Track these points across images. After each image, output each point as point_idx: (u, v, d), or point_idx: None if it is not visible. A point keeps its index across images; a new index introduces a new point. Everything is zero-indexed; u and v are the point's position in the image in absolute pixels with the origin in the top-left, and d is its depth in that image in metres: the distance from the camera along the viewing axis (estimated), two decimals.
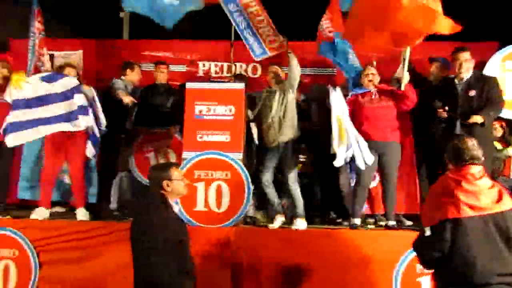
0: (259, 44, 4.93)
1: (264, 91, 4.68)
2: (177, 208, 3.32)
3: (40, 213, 4.46)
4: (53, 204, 4.98)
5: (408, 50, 4.29)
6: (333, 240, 4.03)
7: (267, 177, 4.44)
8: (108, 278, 4.00)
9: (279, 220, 4.40)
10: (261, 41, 4.93)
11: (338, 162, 4.17)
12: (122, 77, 5.12)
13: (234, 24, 5.02)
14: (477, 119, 4.11)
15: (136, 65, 5.31)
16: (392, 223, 4.34)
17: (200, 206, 4.16)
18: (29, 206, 5.24)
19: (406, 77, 4.32)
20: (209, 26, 5.55)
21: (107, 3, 8.21)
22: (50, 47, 5.99)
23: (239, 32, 4.99)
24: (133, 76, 5.18)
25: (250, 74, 6.21)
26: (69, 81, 4.46)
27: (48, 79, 4.48)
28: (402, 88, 4.33)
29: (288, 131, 4.44)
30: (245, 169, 4.21)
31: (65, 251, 4.12)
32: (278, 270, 3.92)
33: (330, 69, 6.03)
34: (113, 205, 5.61)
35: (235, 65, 6.10)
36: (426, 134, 4.58)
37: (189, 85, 4.47)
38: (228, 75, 6.01)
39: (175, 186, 3.14)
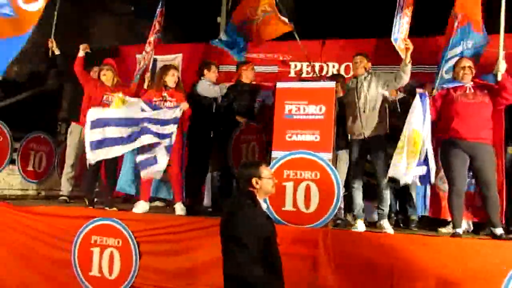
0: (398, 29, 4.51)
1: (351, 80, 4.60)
2: (265, 206, 3.34)
3: (141, 207, 4.78)
4: (153, 199, 5.35)
5: (502, 38, 3.89)
6: (428, 247, 3.76)
7: (358, 180, 4.38)
8: (200, 272, 4.16)
9: (361, 224, 4.27)
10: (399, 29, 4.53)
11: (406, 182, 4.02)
12: (202, 78, 5.30)
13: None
14: None
15: (213, 64, 5.46)
16: (499, 231, 3.94)
17: (288, 206, 4.14)
18: (129, 200, 5.77)
19: (502, 66, 3.94)
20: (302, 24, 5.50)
21: (205, 9, 8.61)
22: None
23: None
24: (210, 75, 5.36)
25: (342, 73, 6.05)
26: (170, 112, 4.71)
27: (146, 110, 4.75)
28: (499, 78, 3.92)
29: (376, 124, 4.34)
30: (334, 169, 4.12)
31: (162, 243, 4.37)
32: (366, 274, 3.76)
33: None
34: (207, 201, 5.89)
35: (327, 65, 6.02)
36: None
37: (279, 84, 4.49)
38: (319, 75, 5.95)
39: (264, 184, 3.19)
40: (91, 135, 4.63)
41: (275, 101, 4.46)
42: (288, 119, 4.34)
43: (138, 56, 6.81)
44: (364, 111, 4.38)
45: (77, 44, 5.53)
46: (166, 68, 5.12)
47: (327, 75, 5.94)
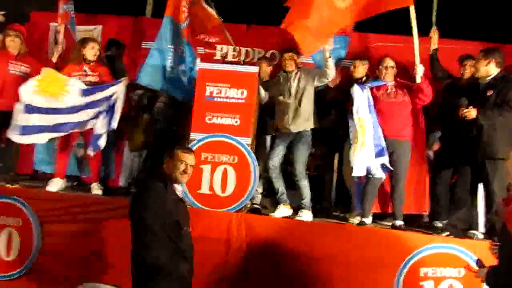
0: None
1: (281, 74, 4.59)
2: (180, 189, 3.27)
3: (56, 184, 4.52)
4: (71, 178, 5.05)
5: (417, 41, 4.13)
6: (337, 235, 3.94)
7: (274, 162, 4.37)
8: (109, 254, 4.00)
9: (282, 210, 4.31)
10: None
11: (357, 172, 4.14)
12: None
13: None
14: (472, 113, 3.86)
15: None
16: (399, 223, 4.22)
17: (204, 189, 4.11)
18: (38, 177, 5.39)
19: (420, 69, 4.15)
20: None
21: None
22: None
23: None
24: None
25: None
26: (111, 89, 4.48)
27: (89, 93, 4.50)
28: (417, 80, 4.16)
29: (303, 120, 4.36)
30: (253, 154, 4.14)
31: (68, 223, 4.13)
32: (277, 260, 3.85)
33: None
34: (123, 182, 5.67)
35: (254, 50, 5.99)
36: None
37: (201, 65, 4.39)
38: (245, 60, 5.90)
39: (171, 165, 3.11)
40: (23, 118, 4.38)
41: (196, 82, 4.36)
42: (209, 101, 4.27)
43: (51, 24, 6.31)
44: (292, 108, 4.37)
45: None
46: (84, 40, 4.83)
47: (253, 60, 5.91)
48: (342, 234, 3.98)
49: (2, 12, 5.14)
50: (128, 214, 3.07)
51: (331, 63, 4.31)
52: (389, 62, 4.41)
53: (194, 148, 4.11)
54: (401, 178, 4.26)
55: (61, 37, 5.04)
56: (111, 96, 4.47)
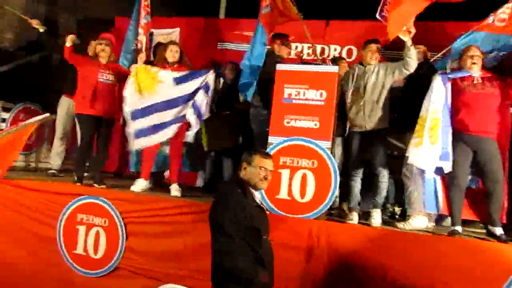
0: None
1: (356, 67, 4.37)
2: (259, 196, 3.20)
3: (140, 185, 4.70)
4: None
5: None
6: (427, 245, 3.63)
7: (356, 165, 4.23)
8: (189, 257, 4.03)
9: (356, 217, 4.13)
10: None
11: (428, 171, 3.87)
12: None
13: None
14: None
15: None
16: (499, 231, 3.79)
17: (283, 194, 3.99)
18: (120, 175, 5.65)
19: None
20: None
21: None
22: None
23: None
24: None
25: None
26: (202, 78, 4.62)
27: (180, 81, 4.66)
28: None
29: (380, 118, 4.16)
30: (333, 159, 3.96)
31: (151, 225, 4.23)
32: (359, 270, 3.64)
33: None
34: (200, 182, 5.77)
35: (329, 47, 5.80)
36: None
37: (279, 66, 4.28)
38: (321, 57, 5.72)
39: (249, 172, 3.05)
40: (133, 125, 4.63)
41: (274, 83, 4.26)
42: (287, 103, 4.15)
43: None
44: (369, 104, 4.19)
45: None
46: (165, 45, 5.07)
47: (329, 58, 5.71)
48: (433, 244, 3.65)
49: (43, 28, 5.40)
50: (207, 219, 3.06)
51: (413, 51, 4.02)
52: (475, 51, 4.00)
53: (272, 152, 4.04)
54: (499, 179, 3.82)
55: (144, 46, 5.20)
56: (204, 85, 4.61)
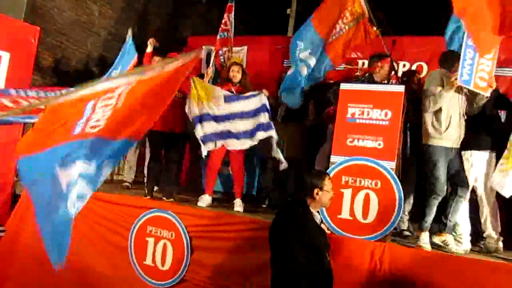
0: (470, 71, 3.78)
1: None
2: (319, 217, 3.22)
3: (205, 201, 4.90)
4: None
5: None
6: (502, 275, 3.41)
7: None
8: (251, 273, 4.08)
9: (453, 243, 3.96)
10: (474, 70, 3.80)
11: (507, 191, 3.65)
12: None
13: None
14: None
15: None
16: None
17: (345, 214, 3.95)
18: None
19: None
20: None
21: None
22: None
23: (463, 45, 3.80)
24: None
25: None
26: (256, 101, 4.79)
27: (231, 100, 4.87)
28: None
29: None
30: (397, 179, 3.86)
31: (214, 240, 4.35)
32: None
33: None
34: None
35: (397, 63, 5.67)
36: None
37: (343, 86, 4.26)
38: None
39: (323, 196, 3.14)
40: (199, 130, 4.84)
41: (337, 102, 4.25)
42: (350, 123, 4.12)
43: (204, 47, 6.85)
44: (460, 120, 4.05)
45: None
46: (229, 64, 5.30)
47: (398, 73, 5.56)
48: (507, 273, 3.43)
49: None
50: (268, 238, 3.12)
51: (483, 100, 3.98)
52: None
53: (335, 171, 4.03)
54: None
55: (212, 60, 5.42)
56: (260, 108, 4.74)
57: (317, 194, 3.11)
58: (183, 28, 8.66)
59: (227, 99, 4.87)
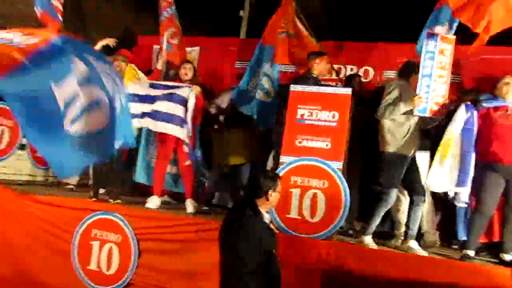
0: (426, 99, 3.92)
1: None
2: (268, 217, 3.22)
3: (153, 201, 4.78)
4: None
5: None
6: (439, 270, 3.57)
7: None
8: (200, 275, 4.04)
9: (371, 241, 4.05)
10: (430, 97, 3.92)
11: (433, 186, 3.92)
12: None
13: (422, 62, 3.93)
14: None
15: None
16: (509, 257, 3.74)
17: (293, 213, 3.99)
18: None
19: None
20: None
21: (227, 1, 8.46)
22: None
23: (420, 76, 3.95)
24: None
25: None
26: (181, 91, 4.76)
27: (157, 88, 4.83)
28: None
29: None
30: (344, 180, 3.95)
31: (163, 242, 4.26)
32: None
33: None
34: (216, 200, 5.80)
35: (345, 67, 5.82)
36: None
37: (293, 87, 4.32)
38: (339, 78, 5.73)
39: (275, 197, 3.14)
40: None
41: (288, 104, 4.30)
42: (300, 123, 4.18)
43: (155, 47, 6.73)
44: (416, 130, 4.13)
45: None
46: (181, 62, 5.28)
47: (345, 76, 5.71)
48: (447, 269, 3.58)
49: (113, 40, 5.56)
50: (218, 240, 3.09)
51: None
52: (511, 79, 3.93)
53: (284, 171, 4.07)
54: None
55: (164, 45, 5.34)
56: (182, 100, 4.72)
57: (271, 195, 3.10)
58: (134, 27, 8.46)
59: (152, 85, 4.87)
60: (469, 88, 5.00)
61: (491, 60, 5.20)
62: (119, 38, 7.01)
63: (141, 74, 5.09)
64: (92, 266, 4.38)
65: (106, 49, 5.40)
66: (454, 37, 3.98)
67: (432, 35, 3.94)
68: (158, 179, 4.99)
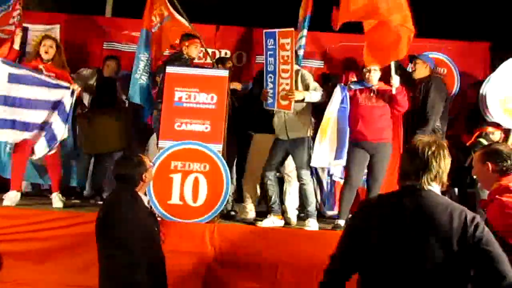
0: (273, 94, 4.19)
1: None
2: (146, 199, 3.07)
3: (12, 197, 4.22)
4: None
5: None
6: (315, 241, 3.83)
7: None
8: (80, 272, 3.72)
9: (272, 220, 4.16)
10: (276, 92, 4.17)
11: (314, 162, 4.18)
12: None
13: (264, 61, 4.25)
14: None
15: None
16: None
17: (175, 199, 3.91)
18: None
19: (395, 80, 4.13)
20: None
21: None
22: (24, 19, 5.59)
23: (265, 72, 4.27)
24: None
25: (235, 63, 5.89)
26: (59, 94, 4.30)
27: (17, 81, 4.16)
28: (393, 91, 4.14)
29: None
30: (224, 162, 3.97)
31: (30, 241, 3.84)
32: (251, 268, 3.73)
33: None
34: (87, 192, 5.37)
35: (220, 51, 5.84)
36: None
37: (169, 69, 4.18)
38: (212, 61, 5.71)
39: (149, 175, 2.99)
40: None
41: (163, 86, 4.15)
42: (177, 106, 4.08)
43: None
44: (288, 114, 4.21)
45: None
46: (42, 37, 4.55)
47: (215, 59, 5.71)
48: (318, 239, 3.87)
49: None
50: (95, 232, 2.86)
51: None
52: (373, 65, 4.30)
53: (163, 156, 3.94)
54: (379, 178, 4.22)
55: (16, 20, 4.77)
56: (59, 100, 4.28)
57: (146, 177, 2.97)
58: None
59: (12, 79, 4.16)
60: (331, 73, 5.42)
61: (349, 47, 5.66)
62: None
63: None
64: None
65: None
66: (292, 29, 4.14)
67: (270, 34, 4.15)
68: (17, 171, 4.40)
